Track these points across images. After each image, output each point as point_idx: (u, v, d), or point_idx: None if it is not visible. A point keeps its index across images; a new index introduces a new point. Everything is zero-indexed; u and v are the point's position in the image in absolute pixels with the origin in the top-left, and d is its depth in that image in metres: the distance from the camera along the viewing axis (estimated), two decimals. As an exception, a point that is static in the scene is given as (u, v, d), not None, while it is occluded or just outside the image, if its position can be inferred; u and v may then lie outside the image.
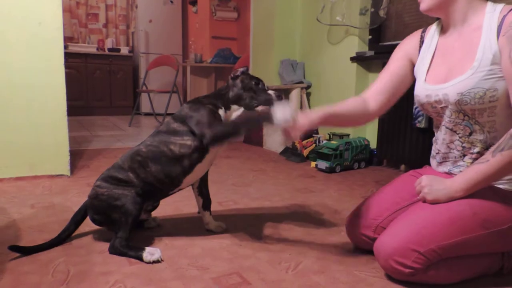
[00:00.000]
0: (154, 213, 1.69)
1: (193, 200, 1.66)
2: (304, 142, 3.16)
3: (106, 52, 6.39)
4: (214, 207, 1.93)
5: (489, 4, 1.22)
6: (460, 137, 1.26)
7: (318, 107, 1.38)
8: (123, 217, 1.39)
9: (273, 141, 3.56)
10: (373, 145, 2.99)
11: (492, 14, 1.18)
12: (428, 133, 2.48)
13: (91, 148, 3.45)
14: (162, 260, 1.36)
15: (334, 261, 1.39)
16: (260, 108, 1.46)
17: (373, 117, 1.48)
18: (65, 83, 2.42)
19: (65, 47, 3.23)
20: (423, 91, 1.31)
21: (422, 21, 2.74)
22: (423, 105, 1.33)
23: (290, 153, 3.20)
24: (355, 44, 3.14)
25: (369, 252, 1.44)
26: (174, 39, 6.56)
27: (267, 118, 1.27)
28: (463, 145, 1.26)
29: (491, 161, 1.12)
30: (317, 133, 3.31)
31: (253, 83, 1.48)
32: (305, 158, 3.10)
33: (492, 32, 1.16)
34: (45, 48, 2.35)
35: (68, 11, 6.34)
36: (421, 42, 1.39)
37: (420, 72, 1.36)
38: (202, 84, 6.10)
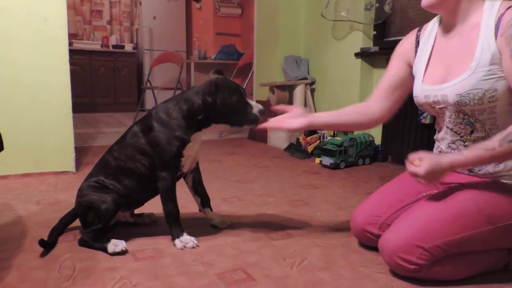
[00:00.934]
0: (155, 210, 1.69)
1: (197, 196, 1.67)
2: (309, 138, 3.16)
3: (111, 49, 6.41)
4: (219, 203, 1.94)
5: (488, 0, 1.19)
6: (461, 137, 1.25)
7: (319, 112, 1.45)
8: (97, 219, 1.42)
9: (278, 137, 3.56)
10: (378, 141, 2.98)
11: (490, 11, 1.16)
12: (433, 129, 2.46)
13: (96, 144, 3.47)
14: (126, 251, 1.39)
15: (339, 257, 1.39)
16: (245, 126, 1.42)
17: (377, 122, 1.47)
18: (70, 80, 2.43)
19: (70, 44, 3.25)
20: (421, 92, 1.30)
21: (427, 16, 2.71)
22: (422, 105, 1.32)
23: (295, 149, 3.20)
24: (360, 39, 3.12)
25: (374, 248, 1.44)
26: (178, 35, 6.56)
27: None
28: (465, 144, 1.25)
29: (497, 149, 1.08)
30: (322, 129, 3.31)
31: (235, 100, 1.37)
32: (310, 155, 3.10)
33: (489, 31, 1.14)
34: (50, 45, 2.36)
35: (72, 8, 6.35)
36: (417, 42, 1.37)
37: (418, 72, 1.34)
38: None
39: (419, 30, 1.39)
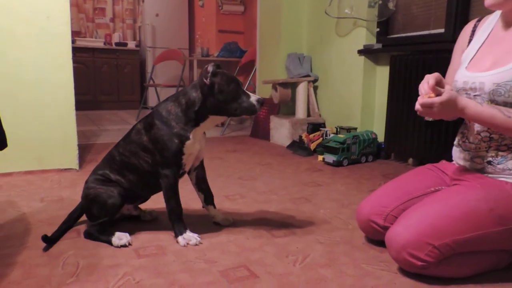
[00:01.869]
0: (158, 207, 1.70)
1: (200, 193, 1.67)
2: (311, 135, 3.16)
3: (113, 46, 6.41)
4: (221, 200, 1.94)
5: None
6: (488, 128, 1.24)
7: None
8: (103, 213, 1.45)
9: (280, 135, 3.56)
10: (381, 138, 2.97)
11: None
12: (437, 127, 2.46)
13: (99, 142, 3.47)
14: (130, 245, 1.42)
15: (341, 254, 1.39)
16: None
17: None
18: (73, 78, 2.43)
19: (73, 41, 3.25)
20: (461, 77, 1.31)
21: (430, 13, 2.71)
22: (458, 91, 1.31)
23: (297, 146, 3.20)
24: (363, 36, 3.11)
25: (377, 245, 1.44)
26: (180, 33, 6.55)
27: None
28: (491, 136, 1.25)
29: None
30: (324, 126, 3.30)
31: (233, 88, 1.37)
32: (312, 152, 3.10)
33: None
34: (53, 43, 2.36)
35: (75, 6, 6.35)
36: (473, 31, 1.38)
37: (465, 60, 1.35)
38: (209, 78, 6.07)
39: (478, 21, 1.40)
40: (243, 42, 6.08)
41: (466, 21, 2.06)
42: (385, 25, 3.08)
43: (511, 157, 1.22)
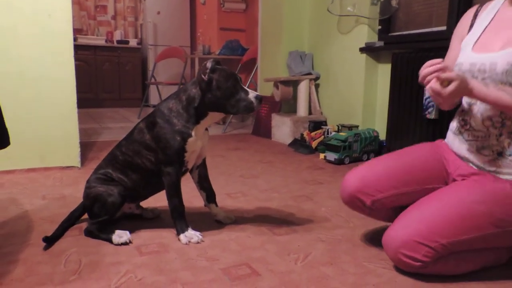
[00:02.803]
0: (160, 205, 1.70)
1: (202, 191, 1.67)
2: (313, 133, 3.15)
3: (115, 44, 6.41)
4: (223, 198, 1.94)
5: None
6: (501, 112, 1.18)
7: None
8: (103, 211, 1.45)
9: (282, 133, 3.56)
10: (383, 136, 2.97)
11: None
12: (439, 124, 2.45)
13: (101, 140, 3.48)
14: (130, 242, 1.42)
15: (343, 252, 1.39)
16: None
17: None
18: (75, 76, 2.44)
19: (74, 39, 3.25)
20: (468, 59, 1.26)
21: (432, 11, 2.70)
22: (464, 73, 1.24)
23: (299, 144, 3.20)
24: (365, 34, 3.10)
25: (378, 243, 1.44)
26: (182, 30, 6.55)
27: None
28: (504, 121, 1.19)
29: None
30: (326, 124, 3.30)
31: (231, 84, 1.36)
32: (314, 150, 3.09)
33: None
34: (55, 40, 2.36)
35: (77, 3, 6.35)
36: (475, 16, 1.35)
37: (467, 44, 1.30)
38: (211, 75, 6.07)
39: (480, 6, 1.37)
40: (245, 40, 6.07)
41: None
42: (387, 23, 3.07)
43: None
